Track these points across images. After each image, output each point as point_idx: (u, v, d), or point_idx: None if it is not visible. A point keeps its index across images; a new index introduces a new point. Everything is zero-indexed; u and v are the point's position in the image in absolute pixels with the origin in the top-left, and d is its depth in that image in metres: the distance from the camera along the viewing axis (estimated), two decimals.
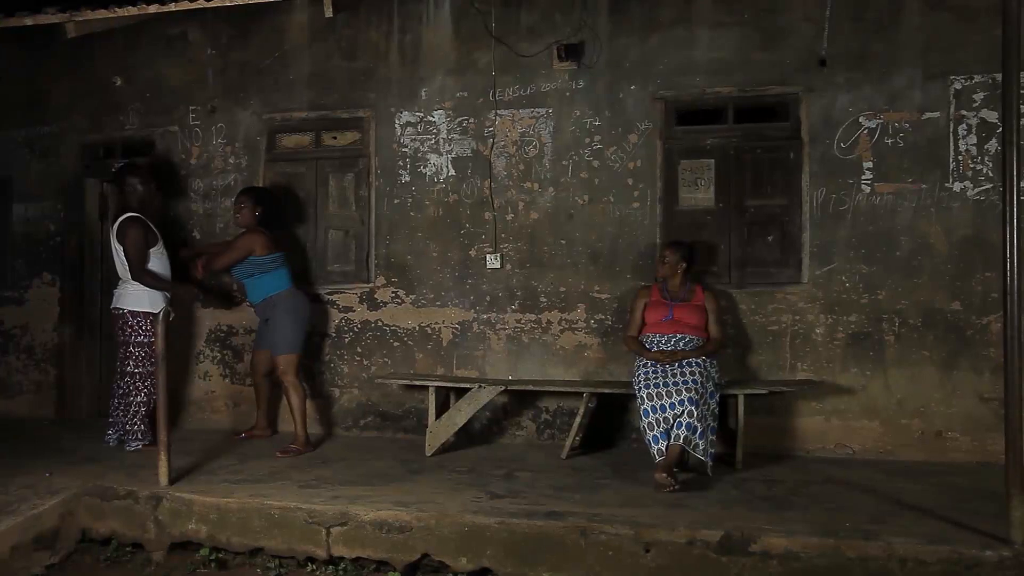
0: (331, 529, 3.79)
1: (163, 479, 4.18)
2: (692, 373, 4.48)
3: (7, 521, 3.74)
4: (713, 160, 5.29)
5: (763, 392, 4.84)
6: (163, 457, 4.19)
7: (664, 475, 4.16)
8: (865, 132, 5.07)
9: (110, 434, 5.20)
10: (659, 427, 4.37)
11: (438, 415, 5.12)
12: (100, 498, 4.14)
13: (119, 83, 6.15)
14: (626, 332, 5.01)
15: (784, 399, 5.09)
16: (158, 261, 5.15)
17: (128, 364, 5.10)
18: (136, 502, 4.09)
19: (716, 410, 4.55)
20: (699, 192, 5.32)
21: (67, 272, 6.28)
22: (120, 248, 5.06)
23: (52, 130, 6.30)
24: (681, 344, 4.71)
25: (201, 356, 5.99)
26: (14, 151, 6.39)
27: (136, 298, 5.06)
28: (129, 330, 5.06)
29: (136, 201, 5.19)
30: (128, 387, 5.10)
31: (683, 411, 4.33)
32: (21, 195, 6.38)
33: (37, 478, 4.33)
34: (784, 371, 5.14)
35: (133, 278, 5.04)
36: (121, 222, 5.08)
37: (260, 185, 5.77)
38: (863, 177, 5.07)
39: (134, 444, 5.09)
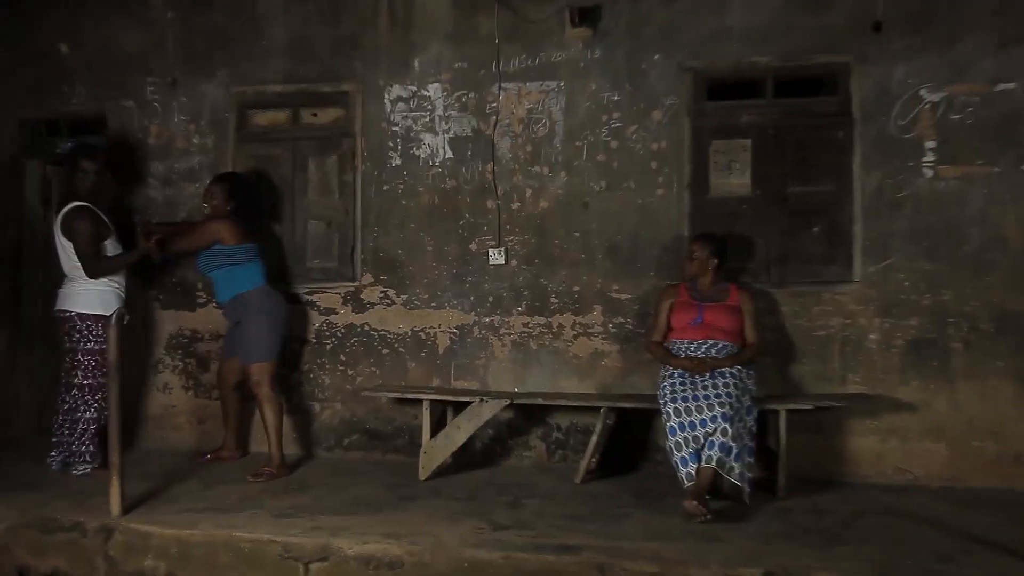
0: (310, 565, 3.74)
1: (115, 508, 4.13)
2: (726, 385, 4.46)
3: None
4: (749, 141, 5.27)
5: (808, 407, 4.80)
6: (115, 482, 4.13)
7: (695, 503, 4.13)
8: (927, 107, 5.03)
9: (53, 455, 5.14)
10: (688, 447, 4.34)
11: (433, 433, 5.09)
12: (41, 531, 4.09)
13: (65, 50, 6.10)
14: (649, 337, 4.97)
15: (833, 416, 5.05)
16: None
17: (76, 375, 5.04)
18: (83, 535, 4.03)
19: (754, 428, 4.52)
20: (733, 177, 5.29)
21: (3, 269, 6.22)
22: (68, 243, 5.01)
23: None
24: (713, 351, 4.68)
25: (160, 365, 5.94)
26: None
27: (86, 299, 5.01)
28: (77, 335, 5.01)
29: (87, 188, 5.13)
30: (75, 401, 5.05)
31: (716, 429, 4.30)
32: None
33: None
34: (833, 383, 5.11)
35: (88, 276, 4.99)
36: (67, 212, 5.03)
37: (232, 170, 5.70)
38: (924, 159, 5.03)
39: (82, 468, 5.04)
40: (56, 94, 6.12)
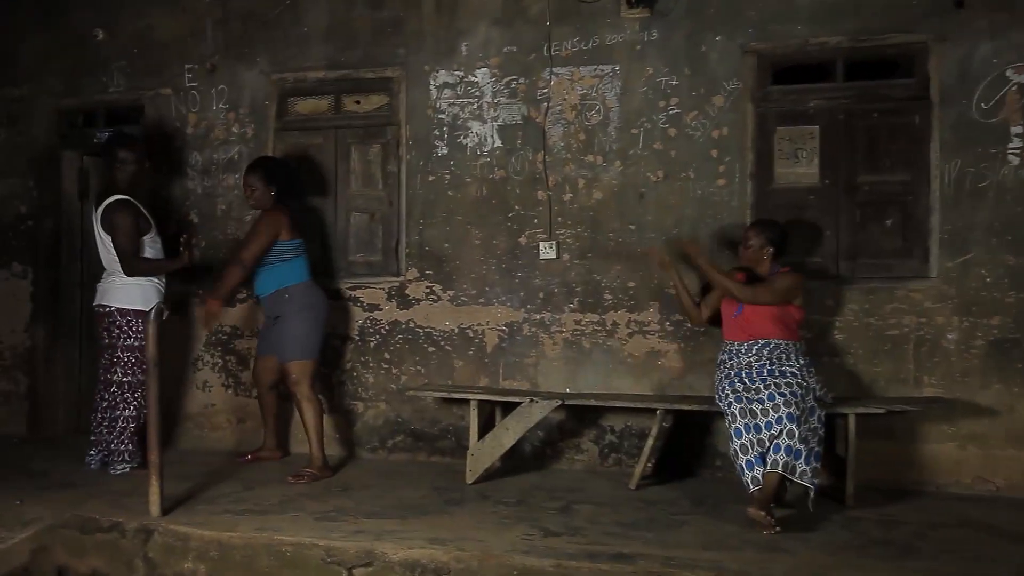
0: (353, 570, 3.80)
1: (154, 509, 4.24)
2: (788, 384, 4.42)
3: None
4: (818, 127, 5.24)
5: (879, 411, 4.75)
6: (154, 482, 4.24)
7: (761, 512, 4.11)
8: (1014, 89, 4.95)
9: (92, 454, 5.29)
10: (753, 450, 4.33)
11: (481, 435, 5.12)
12: (80, 531, 4.20)
13: (101, 37, 6.26)
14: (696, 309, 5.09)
15: (907, 421, 5.01)
16: (151, 251, 5.24)
17: (115, 372, 5.18)
18: (122, 536, 4.14)
19: (820, 430, 4.46)
20: (800, 166, 5.26)
21: (40, 262, 6.41)
22: (107, 237, 5.14)
23: (21, 93, 6.44)
24: (765, 352, 4.60)
25: (200, 362, 6.08)
26: None
27: (125, 293, 5.14)
28: (117, 331, 5.14)
29: (126, 178, 5.24)
30: (114, 399, 5.18)
31: (781, 430, 4.28)
32: None
33: (6, 506, 4.41)
34: (907, 386, 5.06)
35: (126, 273, 5.12)
36: (108, 206, 5.15)
37: (265, 155, 5.80)
38: (1010, 146, 4.95)
39: (120, 467, 5.18)
40: (93, 83, 6.29)
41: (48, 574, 4.16)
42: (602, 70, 5.47)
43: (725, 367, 4.69)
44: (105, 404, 5.21)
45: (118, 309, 5.13)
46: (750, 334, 4.66)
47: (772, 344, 4.63)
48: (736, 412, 4.40)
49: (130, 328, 5.13)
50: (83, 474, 5.15)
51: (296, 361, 5.21)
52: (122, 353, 5.14)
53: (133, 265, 5.11)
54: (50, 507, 4.39)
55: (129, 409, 5.17)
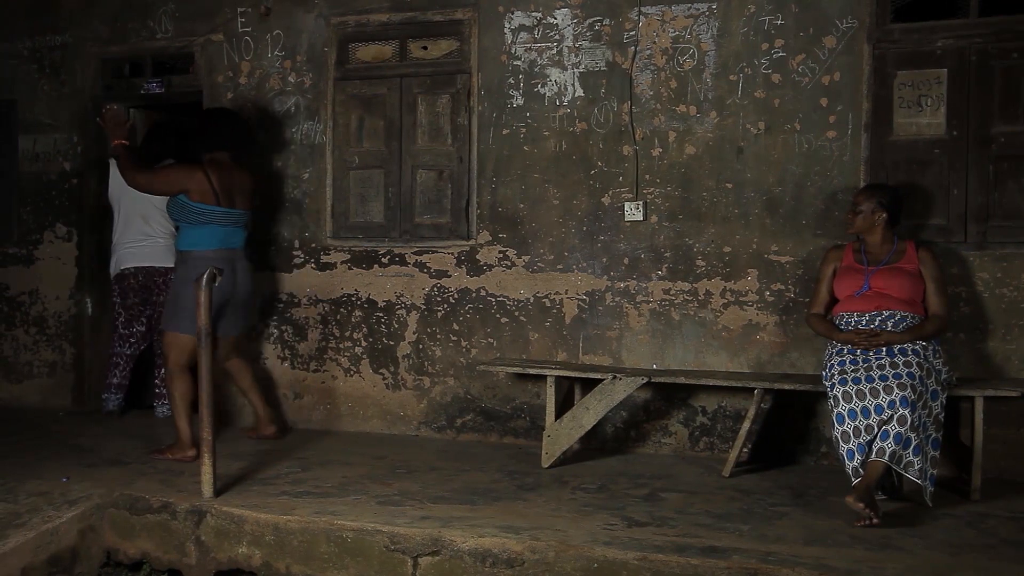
0: (419, 559, 3.86)
1: (207, 489, 4.35)
2: (907, 364, 4.34)
3: (17, 536, 3.97)
4: (945, 70, 5.11)
5: (1013, 395, 4.64)
6: (207, 461, 4.35)
7: (859, 503, 4.06)
8: None
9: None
10: (858, 437, 4.28)
11: (558, 415, 5.15)
12: (129, 511, 4.35)
13: None
14: (809, 308, 4.92)
15: None
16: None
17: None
18: (173, 517, 4.27)
19: (941, 416, 4.40)
20: (924, 116, 5.15)
21: (86, 223, 6.62)
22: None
23: (64, 40, 6.62)
24: (889, 324, 4.56)
25: (253, 332, 6.20)
26: (18, 67, 6.75)
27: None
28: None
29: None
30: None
31: (892, 416, 4.21)
32: (28, 124, 6.73)
33: (52, 484, 4.58)
34: None
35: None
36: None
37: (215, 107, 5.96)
38: None
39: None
40: (139, 29, 6.44)
41: (96, 556, 4.33)
42: (697, 8, 5.39)
43: (835, 339, 4.66)
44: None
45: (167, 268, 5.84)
46: (876, 305, 4.61)
47: (898, 316, 4.57)
48: (839, 395, 4.34)
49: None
50: (131, 451, 5.32)
51: (168, 331, 5.24)
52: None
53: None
54: (98, 484, 4.53)
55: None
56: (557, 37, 5.62)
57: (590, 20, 5.57)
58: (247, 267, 5.41)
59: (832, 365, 4.52)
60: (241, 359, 5.62)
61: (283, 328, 6.14)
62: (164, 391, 5.97)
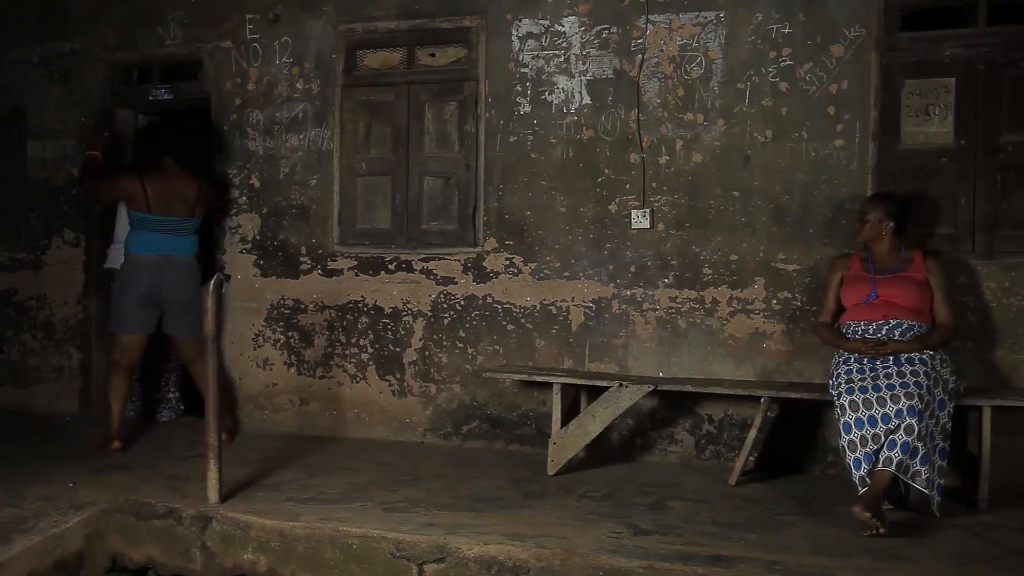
0: (424, 566, 3.86)
1: (212, 495, 4.36)
2: (915, 373, 4.34)
3: (22, 541, 3.97)
4: (953, 79, 5.11)
5: (1021, 405, 4.66)
6: (212, 467, 4.36)
7: (865, 512, 4.06)
8: None
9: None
10: (865, 447, 4.28)
11: (564, 422, 5.15)
12: (134, 516, 4.37)
13: None
14: (816, 317, 4.92)
15: None
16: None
17: None
18: (179, 523, 4.28)
19: (949, 427, 4.40)
20: (932, 125, 5.15)
21: (94, 229, 6.64)
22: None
23: (73, 47, 6.66)
24: (896, 333, 4.56)
25: (261, 338, 6.22)
26: (27, 74, 6.79)
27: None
28: None
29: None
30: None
31: (900, 425, 4.21)
32: (37, 130, 6.78)
33: (58, 489, 4.59)
34: None
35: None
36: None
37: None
38: None
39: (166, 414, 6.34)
40: (148, 35, 6.47)
41: (102, 561, 4.34)
42: (704, 17, 5.40)
43: (842, 348, 4.65)
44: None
45: None
46: (884, 314, 4.61)
47: (905, 325, 4.57)
48: (846, 404, 4.34)
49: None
50: (138, 456, 5.33)
51: (111, 331, 5.65)
52: None
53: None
54: (104, 490, 4.55)
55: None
56: (564, 45, 5.63)
57: (597, 28, 5.58)
58: (190, 272, 5.58)
59: (839, 374, 4.52)
60: (204, 364, 5.60)
61: (289, 334, 6.15)
62: (165, 397, 6.39)
